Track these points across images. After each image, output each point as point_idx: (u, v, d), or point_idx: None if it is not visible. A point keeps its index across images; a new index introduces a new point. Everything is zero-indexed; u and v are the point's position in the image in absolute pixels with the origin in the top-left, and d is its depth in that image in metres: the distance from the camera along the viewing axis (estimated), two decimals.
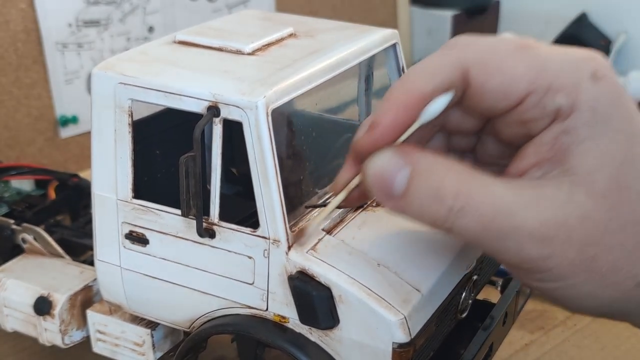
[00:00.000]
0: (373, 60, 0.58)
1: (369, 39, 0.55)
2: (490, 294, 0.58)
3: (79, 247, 0.67)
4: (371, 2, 1.18)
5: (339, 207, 0.44)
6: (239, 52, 0.51)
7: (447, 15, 1.22)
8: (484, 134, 0.45)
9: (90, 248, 0.64)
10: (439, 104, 0.40)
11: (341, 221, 0.50)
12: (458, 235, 0.39)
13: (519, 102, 0.40)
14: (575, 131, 0.39)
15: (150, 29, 0.96)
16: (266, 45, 0.53)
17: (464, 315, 0.53)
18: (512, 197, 0.38)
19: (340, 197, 0.43)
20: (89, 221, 0.69)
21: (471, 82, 0.40)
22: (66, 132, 0.93)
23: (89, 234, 0.65)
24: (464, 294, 0.51)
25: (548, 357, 0.64)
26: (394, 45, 0.58)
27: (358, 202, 0.46)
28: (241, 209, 0.50)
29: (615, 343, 0.65)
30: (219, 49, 0.52)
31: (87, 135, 0.93)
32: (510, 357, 0.63)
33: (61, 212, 0.72)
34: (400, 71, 0.58)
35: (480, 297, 0.56)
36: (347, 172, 0.43)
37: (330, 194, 0.51)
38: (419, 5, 1.25)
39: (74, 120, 0.93)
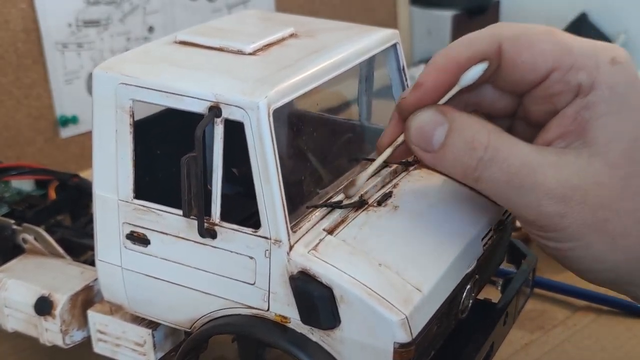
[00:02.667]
0: (373, 61, 0.58)
1: (370, 39, 0.55)
2: (491, 294, 0.58)
3: (80, 247, 0.67)
4: (371, 2, 1.18)
5: (385, 161, 0.49)
6: (240, 52, 0.51)
7: (447, 15, 1.22)
8: (516, 119, 0.49)
9: (91, 248, 0.64)
10: (475, 71, 0.45)
11: (342, 221, 0.50)
12: (484, 187, 0.44)
13: (545, 76, 0.45)
14: (595, 107, 0.43)
15: (150, 29, 0.96)
16: (267, 45, 0.53)
17: (464, 315, 0.53)
18: (537, 157, 0.43)
19: (387, 153, 0.48)
20: (89, 221, 0.69)
21: (504, 54, 0.45)
22: (66, 132, 0.93)
23: (89, 234, 0.65)
24: (464, 293, 0.52)
25: (548, 357, 0.64)
26: (394, 46, 0.58)
27: (401, 158, 0.51)
28: (242, 210, 0.50)
29: (615, 344, 0.65)
30: (220, 49, 0.52)
31: (87, 135, 0.94)
32: (510, 356, 0.63)
33: (62, 212, 0.71)
34: (401, 71, 0.58)
35: (480, 297, 0.56)
36: (392, 130, 0.48)
37: (331, 195, 0.51)
38: (419, 5, 1.25)
39: (74, 120, 0.93)
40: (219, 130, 0.46)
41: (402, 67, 0.58)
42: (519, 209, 0.44)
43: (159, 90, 0.48)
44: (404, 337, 0.44)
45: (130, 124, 0.49)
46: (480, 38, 0.45)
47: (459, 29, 1.25)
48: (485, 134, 0.44)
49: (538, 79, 0.45)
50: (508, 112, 0.49)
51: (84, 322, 0.59)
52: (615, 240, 0.44)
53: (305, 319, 0.46)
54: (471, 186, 0.46)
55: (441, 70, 0.45)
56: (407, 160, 0.56)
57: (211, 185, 0.48)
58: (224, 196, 0.48)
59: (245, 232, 0.47)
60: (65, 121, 0.92)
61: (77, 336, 0.59)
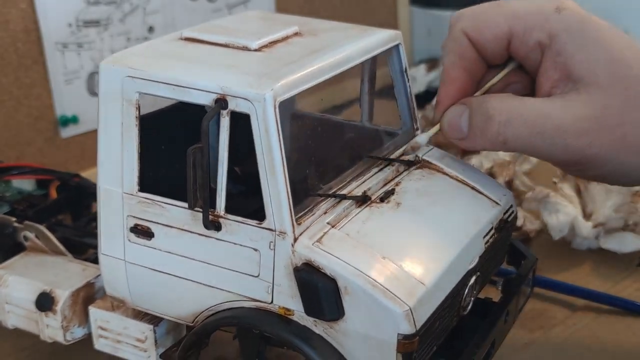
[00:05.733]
0: (376, 61, 0.59)
1: (373, 39, 0.56)
2: (491, 294, 0.58)
3: (81, 246, 0.67)
4: (371, 2, 1.19)
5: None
6: (245, 48, 0.52)
7: (447, 15, 1.22)
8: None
9: (92, 247, 0.65)
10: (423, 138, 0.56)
11: (346, 216, 0.50)
12: (513, 146, 0.50)
13: (507, 45, 0.52)
14: (563, 51, 0.50)
15: (150, 29, 0.96)
16: (272, 42, 0.53)
17: (466, 311, 0.53)
18: (547, 105, 0.50)
19: (436, 128, 0.55)
20: (90, 220, 0.70)
21: (472, 40, 0.53)
22: (66, 132, 0.93)
23: (90, 233, 0.66)
24: (466, 290, 0.52)
25: (548, 357, 0.64)
26: (397, 46, 0.58)
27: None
28: (246, 204, 0.51)
29: (615, 343, 0.65)
30: (226, 45, 0.52)
31: (87, 135, 0.94)
32: (511, 356, 0.63)
33: (62, 211, 0.72)
34: (403, 72, 0.59)
35: (481, 296, 0.56)
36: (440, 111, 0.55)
37: (335, 189, 0.51)
38: (419, 5, 1.26)
39: (74, 120, 0.93)
40: (225, 123, 0.47)
41: (404, 68, 0.59)
42: (551, 154, 0.50)
43: (166, 83, 0.48)
44: (407, 329, 0.45)
45: (136, 117, 0.50)
46: (456, 41, 0.53)
47: None
48: (497, 102, 0.50)
49: (504, 48, 0.53)
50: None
51: (85, 319, 0.59)
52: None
53: (309, 310, 0.47)
54: (503, 151, 0.54)
55: (449, 82, 0.54)
56: (409, 159, 0.57)
57: (215, 180, 0.48)
58: (228, 190, 0.48)
59: (250, 224, 0.47)
60: (66, 121, 0.92)
61: (78, 333, 0.59)
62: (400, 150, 0.57)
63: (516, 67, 0.55)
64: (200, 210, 0.48)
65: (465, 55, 0.53)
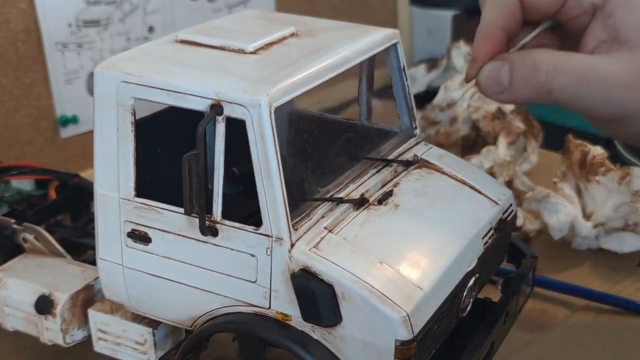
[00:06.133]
0: (374, 60, 0.58)
1: (371, 39, 0.55)
2: (491, 294, 0.58)
3: (80, 247, 0.67)
4: (371, 2, 1.19)
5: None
6: (241, 51, 0.51)
7: (447, 15, 1.22)
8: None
9: (91, 248, 0.65)
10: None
11: (343, 220, 0.50)
12: (558, 97, 0.50)
13: (563, 3, 0.53)
14: (614, 13, 0.51)
15: (150, 29, 0.96)
16: (268, 44, 0.53)
17: (465, 313, 0.53)
18: (593, 59, 0.51)
19: (471, 84, 0.54)
20: (89, 221, 0.69)
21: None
22: (66, 132, 0.93)
23: (89, 233, 0.65)
24: (465, 292, 0.52)
25: (548, 356, 0.64)
26: (395, 45, 0.58)
27: None
28: (243, 208, 0.51)
29: (615, 342, 0.65)
30: (221, 48, 0.52)
31: (87, 135, 0.94)
32: (511, 356, 0.63)
33: (62, 212, 0.71)
34: (401, 71, 0.59)
35: (480, 296, 0.56)
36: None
37: (332, 193, 0.51)
38: (419, 5, 1.25)
39: (74, 120, 0.93)
40: (220, 129, 0.46)
41: (402, 67, 0.59)
42: (594, 106, 0.50)
43: (161, 89, 0.48)
44: (405, 335, 0.45)
45: (132, 122, 0.49)
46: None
47: (459, 29, 1.25)
48: (543, 54, 0.51)
49: (557, 7, 0.53)
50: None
51: (84, 321, 0.59)
52: None
53: (307, 316, 0.47)
54: (546, 102, 0.52)
55: (487, 39, 0.53)
56: (407, 159, 0.57)
57: (212, 185, 0.48)
58: (225, 196, 0.48)
59: (247, 230, 0.47)
60: (66, 121, 0.92)
61: (78, 335, 0.59)
62: (399, 150, 0.57)
63: (550, 26, 0.55)
64: (197, 216, 0.48)
65: (511, 14, 0.53)
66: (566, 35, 0.55)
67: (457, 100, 0.55)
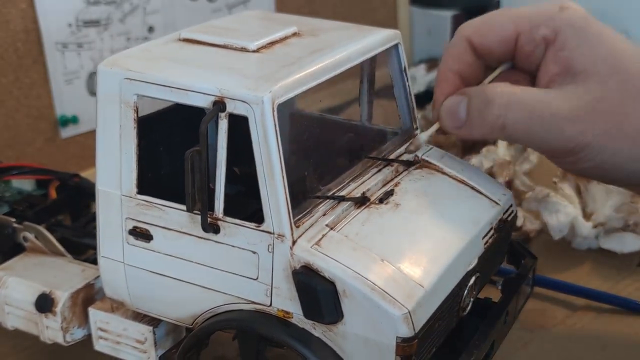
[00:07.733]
0: (375, 60, 0.58)
1: (372, 39, 0.56)
2: (491, 294, 0.58)
3: (80, 247, 0.67)
4: (371, 2, 1.19)
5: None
6: (243, 50, 0.52)
7: (447, 15, 1.22)
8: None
9: (91, 247, 0.65)
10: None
11: (345, 217, 0.50)
12: (511, 131, 0.51)
13: (514, 43, 0.54)
14: (566, 45, 0.52)
15: (150, 29, 0.96)
16: (270, 43, 0.53)
17: (465, 312, 0.53)
18: (546, 94, 0.51)
19: (435, 126, 0.56)
20: (90, 221, 0.69)
21: (476, 46, 0.55)
22: (66, 132, 0.93)
23: (90, 233, 0.66)
24: (466, 291, 0.52)
25: (548, 357, 0.64)
26: (396, 46, 0.58)
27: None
28: (244, 207, 0.51)
29: (615, 342, 0.65)
30: (224, 47, 0.52)
31: (87, 135, 0.94)
32: (511, 355, 0.63)
33: (62, 211, 0.71)
34: (402, 71, 0.59)
35: (480, 296, 0.56)
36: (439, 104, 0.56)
37: (333, 191, 0.51)
38: (419, 5, 1.25)
39: (74, 120, 0.93)
40: (223, 125, 0.47)
41: (403, 68, 0.59)
42: (547, 141, 0.51)
43: (164, 85, 0.48)
44: (406, 332, 0.45)
45: (135, 119, 0.50)
46: (456, 46, 0.56)
47: None
48: (497, 87, 0.52)
49: (511, 47, 0.55)
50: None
51: (84, 320, 0.59)
52: (636, 140, 0.51)
53: (308, 313, 0.47)
54: (500, 138, 0.54)
55: (442, 82, 0.56)
56: (408, 159, 0.57)
57: (214, 183, 0.48)
58: (226, 193, 0.48)
59: (249, 227, 0.47)
60: (66, 121, 0.92)
61: (78, 334, 0.59)
62: (400, 150, 0.57)
63: (510, 67, 0.56)
64: (199, 213, 0.48)
65: (462, 59, 0.55)
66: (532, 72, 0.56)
67: (421, 143, 0.56)
